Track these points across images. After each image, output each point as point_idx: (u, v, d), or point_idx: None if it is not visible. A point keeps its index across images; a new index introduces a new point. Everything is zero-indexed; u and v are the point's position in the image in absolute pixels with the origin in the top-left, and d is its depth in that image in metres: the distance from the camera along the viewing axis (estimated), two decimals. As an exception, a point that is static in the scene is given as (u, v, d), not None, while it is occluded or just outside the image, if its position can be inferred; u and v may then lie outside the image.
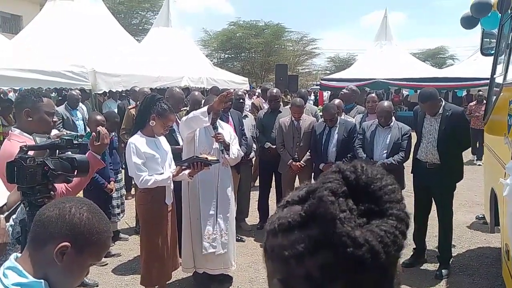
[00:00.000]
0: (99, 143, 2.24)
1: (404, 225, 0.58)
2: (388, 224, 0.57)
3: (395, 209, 0.58)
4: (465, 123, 4.24)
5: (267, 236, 0.63)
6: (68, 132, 2.45)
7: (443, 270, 3.99)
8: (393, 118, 4.46)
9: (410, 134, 4.33)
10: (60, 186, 2.08)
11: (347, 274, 0.55)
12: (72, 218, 1.13)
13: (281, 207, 0.63)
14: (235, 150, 3.80)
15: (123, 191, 5.02)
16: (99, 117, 4.32)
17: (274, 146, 5.09)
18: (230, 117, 4.67)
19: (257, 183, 6.27)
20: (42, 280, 1.10)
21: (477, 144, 8.67)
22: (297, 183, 5.08)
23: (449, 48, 36.75)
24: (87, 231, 1.13)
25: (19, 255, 1.19)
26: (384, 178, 0.60)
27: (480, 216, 5.46)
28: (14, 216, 1.78)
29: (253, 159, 5.51)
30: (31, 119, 2.38)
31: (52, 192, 1.76)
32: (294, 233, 0.58)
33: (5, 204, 1.80)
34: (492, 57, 4.40)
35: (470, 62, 14.96)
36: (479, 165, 7.97)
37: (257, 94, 12.43)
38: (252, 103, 7.64)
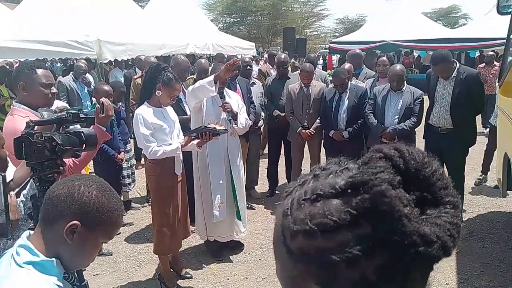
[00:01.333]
0: (103, 114, 2.21)
1: (459, 211, 0.54)
2: (449, 214, 0.52)
3: (450, 196, 0.53)
4: (480, 86, 4.12)
5: (293, 236, 0.53)
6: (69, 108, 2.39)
7: (453, 235, 4.00)
8: (405, 82, 4.34)
9: (423, 98, 4.23)
10: (67, 160, 2.07)
11: (409, 273, 0.50)
12: (81, 197, 1.12)
13: (309, 200, 0.53)
14: (243, 119, 3.76)
15: (133, 161, 5.05)
16: (106, 88, 4.27)
17: (283, 114, 5.02)
18: (237, 85, 4.59)
19: (266, 151, 6.26)
20: (54, 259, 1.10)
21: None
22: (306, 151, 5.06)
23: (462, 7, 35.49)
24: (97, 209, 1.12)
25: (32, 232, 1.19)
26: (432, 162, 0.54)
27: (478, 179, 5.46)
28: (24, 192, 1.78)
29: (262, 127, 5.46)
30: (26, 92, 2.33)
31: (61, 167, 1.75)
32: (342, 234, 0.50)
33: (11, 180, 1.79)
34: (510, 15, 4.21)
35: (483, 21, 14.43)
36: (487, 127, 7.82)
37: (264, 59, 12.20)
38: (259, 70, 7.51)
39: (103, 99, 2.25)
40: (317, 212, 0.51)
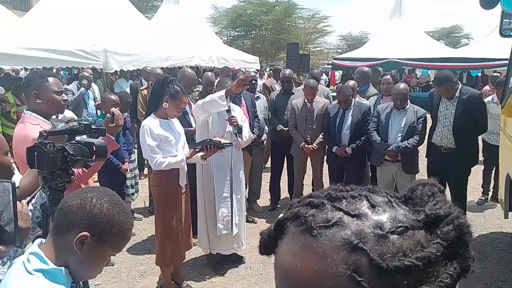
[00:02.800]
0: (113, 124, 2.24)
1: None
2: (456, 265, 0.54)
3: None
4: (483, 107, 4.16)
5: (381, 273, 0.47)
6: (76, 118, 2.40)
7: (455, 255, 3.99)
8: (409, 101, 4.39)
9: (426, 117, 4.27)
10: (76, 169, 2.09)
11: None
12: (93, 209, 1.14)
13: (399, 233, 0.48)
14: (246, 132, 3.80)
15: (137, 171, 5.07)
16: (113, 97, 4.31)
17: (286, 129, 5.06)
18: (242, 99, 4.63)
19: (268, 164, 6.28)
20: (63, 268, 1.12)
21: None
22: (309, 166, 5.07)
23: (464, 27, 35.85)
24: (107, 222, 1.14)
25: (44, 240, 1.21)
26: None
27: (480, 199, 5.46)
28: (33, 201, 1.80)
29: (265, 141, 5.49)
30: (40, 100, 2.36)
31: (72, 177, 1.78)
32: (437, 266, 0.49)
33: (17, 187, 1.82)
34: (512, 38, 4.27)
35: (485, 42, 14.58)
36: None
37: (267, 74, 12.29)
38: (264, 84, 7.57)
39: (113, 109, 2.28)
40: (411, 245, 0.48)
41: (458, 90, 3.96)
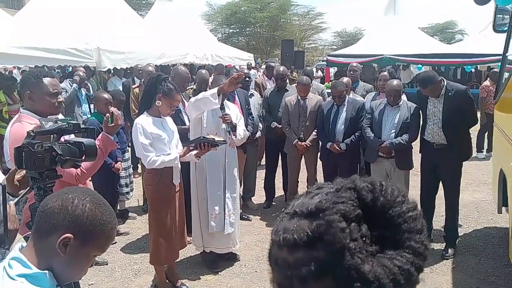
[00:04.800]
0: (112, 124, 2.22)
1: (421, 259, 0.53)
2: (404, 258, 0.51)
3: (413, 240, 0.52)
4: (470, 101, 4.14)
5: (272, 244, 0.58)
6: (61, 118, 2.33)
7: (449, 250, 4.01)
8: (403, 97, 4.39)
9: (419, 112, 4.27)
10: (75, 170, 2.07)
11: None
12: (75, 210, 1.11)
13: (289, 215, 0.57)
14: (241, 130, 3.78)
15: (131, 170, 5.04)
16: (106, 96, 4.28)
17: (280, 126, 5.05)
18: (236, 96, 4.61)
19: (263, 161, 6.27)
20: (47, 271, 1.10)
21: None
22: (303, 162, 5.07)
23: (458, 23, 35.90)
24: (90, 222, 1.12)
25: (24, 244, 1.18)
26: (406, 202, 0.54)
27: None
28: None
29: (259, 139, 5.48)
30: (33, 101, 2.35)
31: (60, 176, 1.76)
32: (299, 252, 0.52)
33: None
34: (505, 34, 4.27)
35: (479, 38, 14.61)
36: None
37: (262, 72, 12.26)
38: (255, 82, 7.55)
39: (112, 109, 2.27)
40: (289, 227, 0.55)
41: (444, 87, 3.96)
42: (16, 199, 1.68)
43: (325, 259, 0.51)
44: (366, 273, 0.49)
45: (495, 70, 7.77)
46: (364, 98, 5.15)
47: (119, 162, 4.37)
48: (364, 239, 0.51)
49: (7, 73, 9.75)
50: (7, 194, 1.62)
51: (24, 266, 1.09)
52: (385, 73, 5.37)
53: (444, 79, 4.09)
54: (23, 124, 2.27)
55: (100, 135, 2.13)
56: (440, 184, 4.16)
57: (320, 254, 0.51)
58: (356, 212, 0.52)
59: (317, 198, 0.55)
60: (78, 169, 2.08)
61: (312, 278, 0.51)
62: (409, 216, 0.53)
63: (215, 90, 3.37)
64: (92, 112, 5.94)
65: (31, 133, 1.75)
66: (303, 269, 0.51)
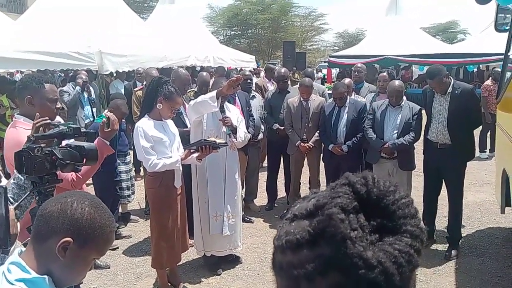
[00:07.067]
0: (109, 129, 2.22)
1: (419, 242, 0.55)
2: (403, 242, 0.54)
3: (409, 225, 0.55)
4: (476, 100, 4.13)
5: (275, 251, 0.59)
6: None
7: (452, 251, 3.98)
8: (404, 97, 4.38)
9: (421, 113, 4.26)
10: (70, 173, 2.07)
11: None
12: (74, 213, 1.12)
13: (289, 219, 0.59)
14: (242, 133, 3.77)
15: (133, 173, 5.05)
16: (122, 106, 4.23)
17: (282, 127, 5.04)
18: (237, 98, 4.61)
19: (265, 163, 6.26)
20: (46, 276, 1.10)
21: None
22: (305, 164, 5.06)
23: (460, 23, 35.76)
24: (89, 226, 1.12)
25: (23, 249, 1.18)
26: (397, 191, 0.57)
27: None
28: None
29: (261, 141, 5.48)
30: (33, 106, 2.34)
31: (61, 180, 1.76)
32: (303, 251, 0.54)
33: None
34: (507, 33, 4.26)
35: (481, 37, 14.57)
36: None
37: (262, 75, 12.26)
38: (256, 83, 7.55)
39: (108, 114, 2.25)
40: (290, 230, 0.57)
41: (451, 85, 3.95)
42: (16, 203, 1.68)
43: (328, 253, 0.53)
44: (369, 258, 0.51)
45: (497, 69, 7.76)
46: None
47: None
48: (363, 228, 0.53)
49: (9, 77, 9.80)
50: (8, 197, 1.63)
51: (23, 271, 1.09)
52: (385, 73, 5.36)
53: (452, 78, 4.08)
54: (18, 129, 2.26)
55: (96, 140, 2.12)
56: (443, 185, 4.15)
57: (324, 250, 0.53)
58: (353, 204, 0.54)
59: (314, 200, 0.58)
60: (74, 174, 2.08)
61: (319, 275, 0.53)
62: (402, 202, 0.56)
63: (214, 93, 3.37)
64: (95, 115, 5.97)
65: (32, 138, 1.76)
66: (309, 266, 0.53)
